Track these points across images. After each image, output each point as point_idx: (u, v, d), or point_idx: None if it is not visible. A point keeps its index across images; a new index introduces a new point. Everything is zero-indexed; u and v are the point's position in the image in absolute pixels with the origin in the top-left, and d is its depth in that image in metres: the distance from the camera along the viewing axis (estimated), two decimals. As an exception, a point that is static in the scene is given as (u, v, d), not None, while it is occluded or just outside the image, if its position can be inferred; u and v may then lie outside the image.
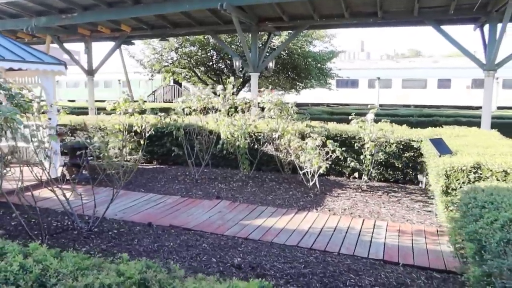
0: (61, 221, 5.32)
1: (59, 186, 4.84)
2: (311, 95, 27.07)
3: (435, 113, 17.27)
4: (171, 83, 30.63)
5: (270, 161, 8.51)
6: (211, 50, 19.14)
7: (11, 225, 5.15)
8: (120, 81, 34.98)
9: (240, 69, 13.02)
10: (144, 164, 9.73)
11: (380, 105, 27.13)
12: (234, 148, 7.59)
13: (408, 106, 27.64)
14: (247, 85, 21.55)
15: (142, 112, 6.42)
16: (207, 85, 22.60)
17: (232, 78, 8.45)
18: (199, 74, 21.30)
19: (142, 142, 5.82)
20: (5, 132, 4.21)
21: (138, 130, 6.45)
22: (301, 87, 21.98)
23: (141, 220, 5.53)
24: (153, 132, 7.12)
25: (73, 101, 35.81)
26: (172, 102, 32.71)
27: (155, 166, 9.53)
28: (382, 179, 7.94)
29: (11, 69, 7.58)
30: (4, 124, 4.18)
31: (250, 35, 13.37)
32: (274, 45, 17.91)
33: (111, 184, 5.31)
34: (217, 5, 10.47)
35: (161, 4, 11.36)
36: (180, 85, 33.04)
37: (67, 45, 15.58)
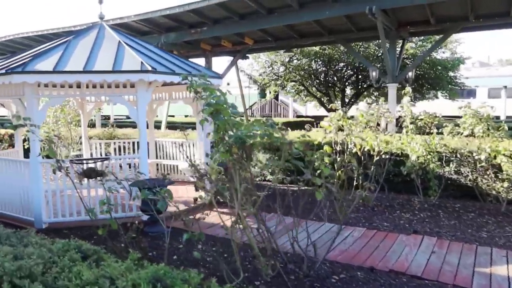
0: (258, 257, 4.54)
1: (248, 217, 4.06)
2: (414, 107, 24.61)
3: None
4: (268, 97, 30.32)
5: (448, 185, 7.17)
6: (326, 62, 18.22)
7: (203, 259, 4.47)
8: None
9: (377, 79, 11.85)
10: (281, 185, 8.93)
11: (508, 117, 24.10)
12: (422, 170, 6.42)
13: (539, 118, 24.15)
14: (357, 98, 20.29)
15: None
16: (317, 98, 21.83)
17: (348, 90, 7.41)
18: (308, 88, 20.52)
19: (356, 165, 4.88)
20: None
21: (359, 153, 5.59)
22: (418, 99, 20.11)
23: (346, 260, 4.58)
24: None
25: (173, 116, 36.51)
26: (270, 116, 32.47)
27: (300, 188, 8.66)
28: None
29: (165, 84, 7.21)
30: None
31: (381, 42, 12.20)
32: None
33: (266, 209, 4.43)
34: (364, 9, 9.50)
35: (296, 12, 10.67)
36: (276, 99, 32.62)
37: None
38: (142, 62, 5.78)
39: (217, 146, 3.68)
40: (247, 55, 16.57)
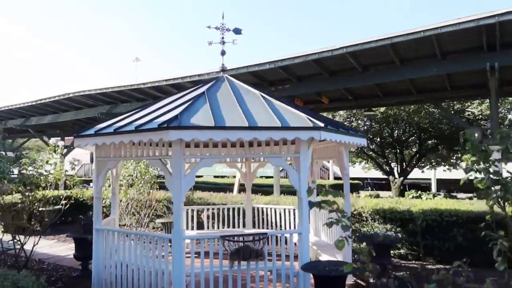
0: None
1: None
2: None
3: None
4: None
5: None
6: (391, 122, 17.43)
7: None
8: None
9: (480, 141, 10.78)
10: (413, 262, 7.63)
11: None
12: None
13: None
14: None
15: None
16: (374, 160, 20.79)
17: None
18: (364, 149, 19.59)
19: None
20: None
21: None
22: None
23: None
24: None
25: (201, 176, 35.18)
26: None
27: (437, 267, 7.36)
28: None
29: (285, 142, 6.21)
30: None
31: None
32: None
33: None
34: (482, 66, 8.72)
35: (397, 70, 9.93)
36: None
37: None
38: (309, 118, 4.86)
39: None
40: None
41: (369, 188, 28.33)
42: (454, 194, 19.49)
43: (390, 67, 10.00)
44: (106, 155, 5.45)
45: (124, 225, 10.23)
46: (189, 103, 5.08)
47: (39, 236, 7.41)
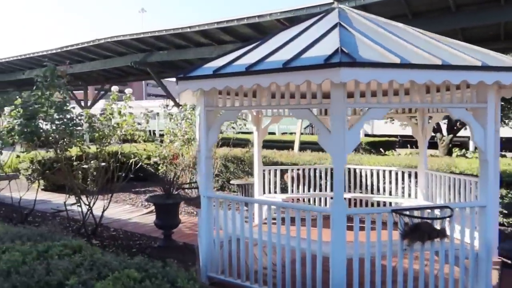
0: None
1: None
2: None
3: None
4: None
5: None
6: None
7: None
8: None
9: None
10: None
11: None
12: None
13: None
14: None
15: None
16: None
17: None
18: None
19: None
20: None
21: None
22: None
23: None
24: None
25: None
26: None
27: None
28: None
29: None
30: None
31: None
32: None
33: None
34: None
35: (499, 9, 8.50)
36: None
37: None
38: (505, 57, 3.66)
39: None
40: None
41: (398, 146, 27.22)
42: (503, 153, 18.39)
43: (489, 6, 8.57)
44: (222, 103, 4.28)
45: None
46: (333, 34, 3.84)
47: (109, 199, 6.40)
